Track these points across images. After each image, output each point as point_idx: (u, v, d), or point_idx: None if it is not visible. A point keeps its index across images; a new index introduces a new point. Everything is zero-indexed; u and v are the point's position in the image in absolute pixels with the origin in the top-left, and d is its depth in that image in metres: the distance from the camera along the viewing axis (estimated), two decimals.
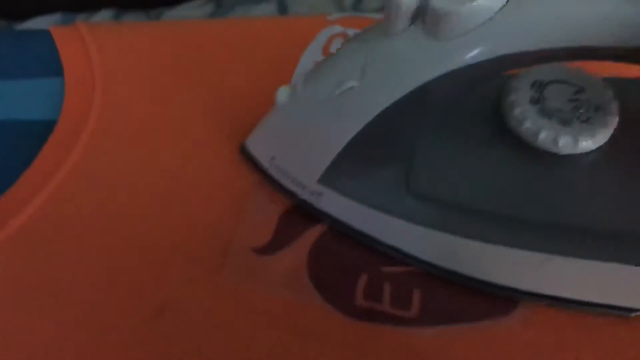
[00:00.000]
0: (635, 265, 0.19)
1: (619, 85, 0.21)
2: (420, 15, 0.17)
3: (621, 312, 0.20)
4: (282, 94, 0.20)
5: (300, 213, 0.23)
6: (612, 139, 0.20)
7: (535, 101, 0.20)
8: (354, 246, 0.22)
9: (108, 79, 0.27)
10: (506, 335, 0.20)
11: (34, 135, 0.25)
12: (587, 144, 0.20)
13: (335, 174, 0.20)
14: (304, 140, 0.20)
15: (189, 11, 0.40)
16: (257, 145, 0.23)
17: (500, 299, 0.21)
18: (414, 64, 0.17)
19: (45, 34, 0.28)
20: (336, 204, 0.21)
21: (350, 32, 0.29)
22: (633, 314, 0.20)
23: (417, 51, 0.17)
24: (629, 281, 0.19)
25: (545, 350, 0.20)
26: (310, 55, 0.28)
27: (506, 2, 0.16)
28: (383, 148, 0.20)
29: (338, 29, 0.29)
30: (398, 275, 0.22)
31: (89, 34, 0.28)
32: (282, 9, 0.38)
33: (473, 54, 0.16)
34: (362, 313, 0.21)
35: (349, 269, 0.22)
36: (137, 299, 0.21)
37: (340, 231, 0.22)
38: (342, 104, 0.19)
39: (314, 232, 0.22)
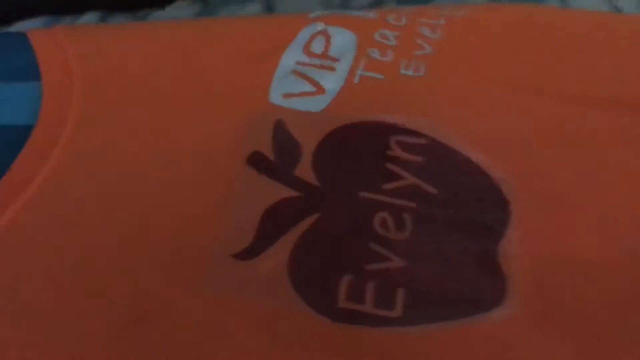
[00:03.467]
0: None
1: None
2: None
3: None
4: None
5: (285, 209, 0.22)
6: None
7: None
8: (337, 244, 0.22)
9: (87, 82, 0.27)
10: (495, 329, 0.20)
11: (11, 140, 0.25)
12: None
13: None
14: None
15: (175, 12, 0.40)
16: None
17: (488, 290, 0.21)
18: None
19: (22, 37, 0.28)
20: None
21: (332, 30, 0.29)
22: None
23: None
24: None
25: (535, 344, 0.20)
26: (292, 54, 0.28)
27: None
28: None
29: (320, 26, 0.29)
30: (382, 272, 0.21)
31: (66, 36, 0.28)
32: (269, 8, 0.37)
33: None
34: (344, 315, 0.20)
35: (331, 269, 0.21)
36: (114, 308, 0.20)
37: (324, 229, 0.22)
38: None
39: (297, 231, 0.22)
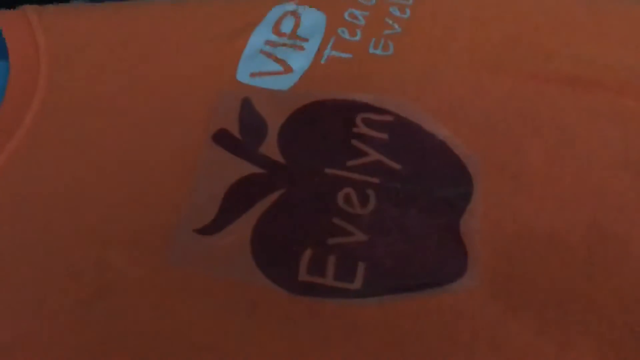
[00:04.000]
0: None
1: None
2: None
3: None
4: None
5: (249, 185, 0.22)
6: None
7: None
8: (301, 219, 0.22)
9: (54, 62, 0.27)
10: (454, 300, 0.20)
11: None
12: None
13: None
14: None
15: None
16: None
17: (449, 263, 0.21)
18: None
19: None
20: None
21: (302, 10, 0.29)
22: None
23: None
24: None
25: (494, 314, 0.20)
26: (261, 34, 0.28)
27: None
28: None
29: (290, 7, 0.29)
30: (344, 246, 0.21)
31: (36, 17, 0.28)
32: None
33: None
34: (304, 288, 0.21)
35: (293, 244, 0.22)
36: (76, 282, 0.21)
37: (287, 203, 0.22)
38: None
39: (261, 207, 0.22)
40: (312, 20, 0.28)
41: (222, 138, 0.24)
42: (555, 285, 0.21)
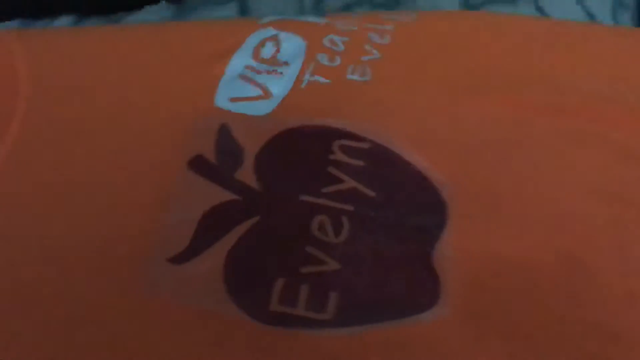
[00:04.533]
0: None
1: None
2: None
3: None
4: None
5: (223, 212, 0.22)
6: None
7: None
8: (274, 247, 0.22)
9: (33, 85, 0.27)
10: (425, 330, 0.20)
11: None
12: None
13: None
14: None
15: (149, 15, 0.40)
16: None
17: (422, 293, 0.21)
18: None
19: None
20: None
21: (282, 35, 0.29)
22: None
23: None
24: None
25: (465, 346, 0.20)
26: (240, 59, 0.28)
27: None
28: None
29: (270, 32, 0.29)
30: (317, 275, 0.21)
31: (15, 38, 0.28)
32: (244, 10, 0.38)
33: None
34: (276, 318, 0.21)
35: (265, 272, 0.22)
36: (47, 312, 0.21)
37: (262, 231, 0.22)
38: None
39: (235, 234, 0.22)
40: (292, 46, 0.28)
41: (198, 164, 0.24)
42: (526, 314, 0.21)
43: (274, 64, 0.28)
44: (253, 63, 0.28)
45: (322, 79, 0.27)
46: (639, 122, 0.26)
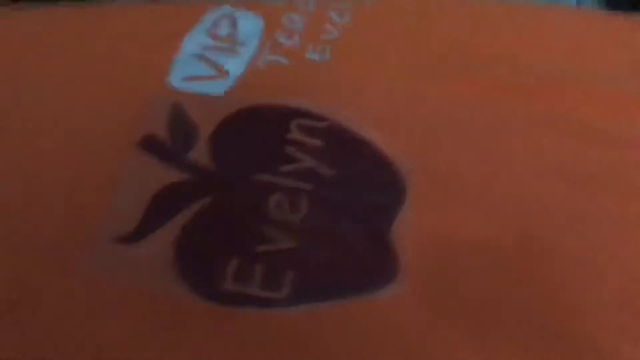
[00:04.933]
0: None
1: None
2: None
3: None
4: None
5: (175, 192, 0.22)
6: None
7: None
8: (228, 227, 0.21)
9: None
10: (382, 306, 0.20)
11: None
12: None
13: None
14: None
15: None
16: None
17: (378, 270, 0.20)
18: None
19: None
20: None
21: (239, 14, 0.28)
22: None
23: None
24: None
25: (421, 320, 0.20)
26: (196, 38, 0.27)
27: None
28: None
29: (227, 10, 0.28)
30: (273, 254, 0.21)
31: None
32: None
33: None
34: (229, 298, 0.20)
35: (219, 252, 0.21)
36: None
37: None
38: None
39: (186, 214, 0.22)
40: (249, 24, 0.28)
41: (149, 144, 0.23)
42: (484, 292, 0.21)
43: (231, 42, 0.27)
44: (209, 41, 0.27)
45: (280, 59, 0.26)
46: (597, 103, 0.26)
